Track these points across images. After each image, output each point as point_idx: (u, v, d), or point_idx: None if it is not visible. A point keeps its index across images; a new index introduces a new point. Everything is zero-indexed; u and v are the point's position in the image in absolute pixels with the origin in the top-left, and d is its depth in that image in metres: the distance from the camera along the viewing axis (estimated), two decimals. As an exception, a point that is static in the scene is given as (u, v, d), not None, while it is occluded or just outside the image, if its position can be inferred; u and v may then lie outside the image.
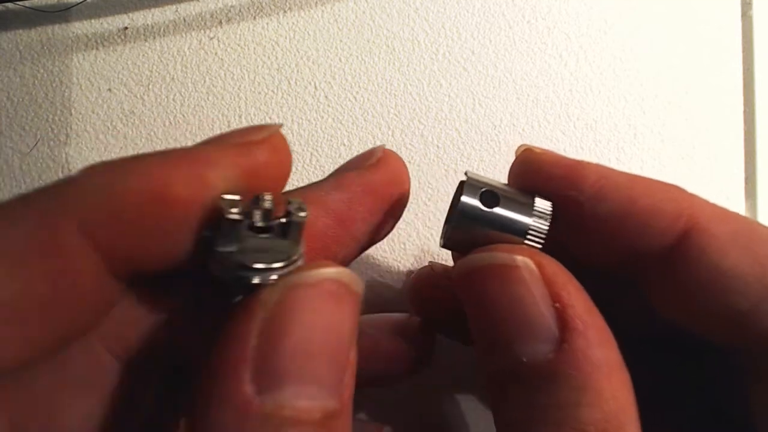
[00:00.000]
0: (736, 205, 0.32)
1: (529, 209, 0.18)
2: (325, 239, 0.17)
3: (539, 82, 0.32)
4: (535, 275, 0.16)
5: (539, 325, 0.16)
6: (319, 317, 0.14)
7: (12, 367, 0.13)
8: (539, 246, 0.17)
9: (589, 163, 0.18)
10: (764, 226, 0.17)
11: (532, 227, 0.17)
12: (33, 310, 0.13)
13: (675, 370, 0.20)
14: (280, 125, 0.17)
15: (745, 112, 0.32)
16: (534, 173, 0.19)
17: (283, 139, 0.16)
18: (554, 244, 0.18)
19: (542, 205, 0.18)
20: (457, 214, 0.17)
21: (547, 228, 0.17)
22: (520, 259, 0.16)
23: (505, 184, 0.19)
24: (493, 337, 0.16)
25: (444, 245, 0.19)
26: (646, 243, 0.17)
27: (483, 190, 0.18)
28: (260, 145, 0.16)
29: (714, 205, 0.18)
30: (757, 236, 0.17)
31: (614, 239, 0.17)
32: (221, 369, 0.13)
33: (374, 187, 0.18)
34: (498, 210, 0.17)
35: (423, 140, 0.31)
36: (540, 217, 0.17)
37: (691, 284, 0.17)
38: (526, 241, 0.17)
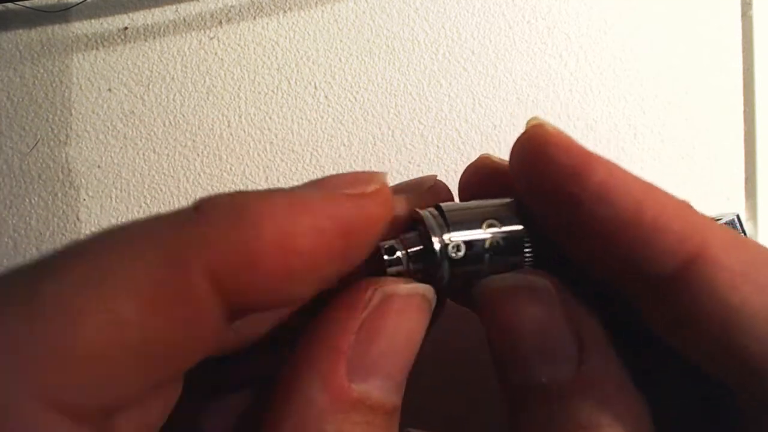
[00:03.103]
0: (736, 205, 0.32)
1: (512, 218, 0.17)
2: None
3: (539, 82, 0.32)
4: (554, 297, 0.16)
5: (560, 345, 0.16)
6: (406, 324, 0.16)
7: (125, 405, 0.13)
8: (530, 252, 0.17)
9: (599, 158, 0.16)
10: None
11: (524, 237, 0.17)
12: (160, 353, 0.13)
13: (664, 381, 0.19)
14: (386, 174, 0.17)
15: (745, 112, 0.32)
16: (538, 155, 0.16)
17: (388, 191, 0.17)
18: (546, 242, 0.17)
19: (511, 207, 0.18)
20: (437, 263, 0.17)
21: (526, 233, 0.17)
22: (542, 281, 0.17)
23: (474, 202, 0.18)
24: (513, 357, 0.16)
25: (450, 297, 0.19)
26: (647, 262, 0.15)
27: (457, 245, 0.17)
28: (372, 198, 0.16)
29: (727, 231, 0.16)
30: None
31: (613, 251, 0.16)
32: (322, 354, 0.15)
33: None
34: (486, 234, 0.17)
35: (423, 140, 0.31)
36: (526, 221, 0.17)
37: (694, 316, 0.15)
38: (525, 252, 0.17)
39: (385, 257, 0.17)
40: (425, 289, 0.17)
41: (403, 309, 0.16)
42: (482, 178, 0.20)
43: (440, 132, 0.31)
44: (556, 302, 0.16)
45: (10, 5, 0.31)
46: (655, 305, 0.16)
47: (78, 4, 0.31)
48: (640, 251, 0.15)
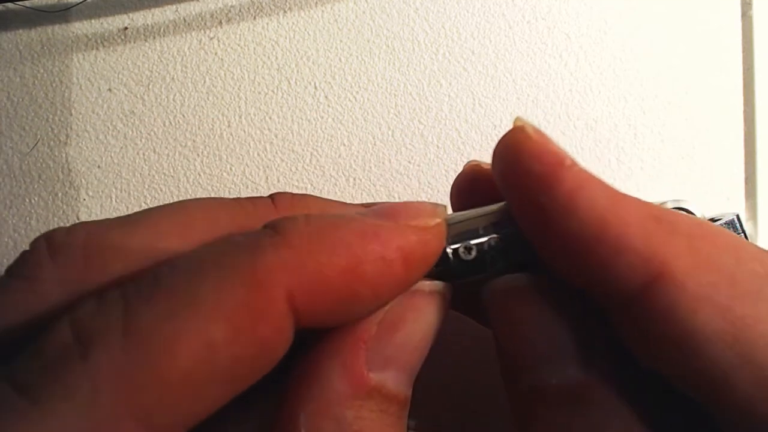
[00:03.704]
0: (736, 205, 0.32)
1: (512, 221, 0.17)
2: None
3: (539, 82, 0.32)
4: (561, 298, 0.17)
5: (566, 347, 0.16)
6: (424, 319, 0.17)
7: (204, 418, 0.14)
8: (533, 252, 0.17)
9: (572, 167, 0.16)
10: (750, 278, 0.15)
11: (525, 239, 0.17)
12: (241, 374, 0.14)
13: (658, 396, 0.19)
14: (446, 207, 0.17)
15: (745, 112, 0.32)
16: (512, 161, 0.16)
17: (444, 224, 0.17)
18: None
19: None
20: (455, 271, 0.18)
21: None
22: (547, 282, 0.17)
23: (476, 212, 0.18)
24: (521, 359, 0.16)
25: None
26: (611, 279, 0.15)
27: (468, 247, 0.18)
28: (432, 231, 0.16)
29: (692, 248, 0.15)
30: (737, 292, 0.14)
31: (580, 264, 0.15)
32: (345, 344, 0.16)
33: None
34: (489, 240, 0.18)
35: (423, 140, 0.31)
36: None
37: (657, 336, 0.15)
38: (527, 254, 0.17)
39: None
40: (445, 287, 0.17)
41: (424, 305, 0.17)
42: (473, 185, 0.20)
43: (440, 132, 0.31)
44: (565, 302, 0.16)
45: (10, 5, 0.31)
46: (623, 321, 0.16)
47: (78, 4, 0.31)
48: (604, 268, 0.15)
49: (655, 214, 0.15)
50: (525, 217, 0.17)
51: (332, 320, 0.16)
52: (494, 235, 0.18)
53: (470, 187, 0.20)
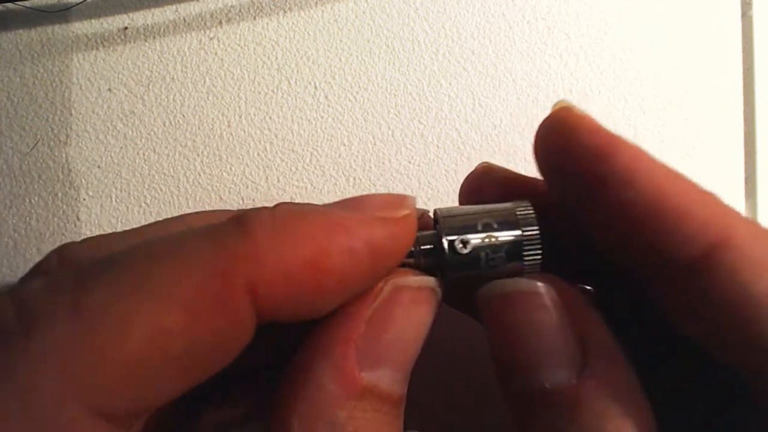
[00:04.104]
0: (736, 205, 0.32)
1: (515, 222, 0.17)
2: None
3: (539, 82, 0.32)
4: (556, 301, 0.16)
5: (562, 351, 0.16)
6: (415, 316, 0.17)
7: (158, 408, 0.14)
8: (539, 254, 0.17)
9: (625, 141, 0.16)
10: None
11: (525, 242, 0.17)
12: (197, 360, 0.14)
13: (673, 373, 0.19)
14: (415, 199, 0.17)
15: (745, 112, 0.32)
16: (564, 137, 0.16)
17: (415, 216, 0.17)
18: (566, 228, 0.17)
19: (524, 211, 0.17)
20: (450, 264, 0.17)
21: (538, 233, 0.17)
22: (542, 285, 0.17)
23: (477, 208, 0.18)
24: (515, 362, 0.16)
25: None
26: (670, 247, 0.15)
27: (464, 240, 0.17)
28: (401, 223, 0.17)
29: (751, 221, 0.15)
30: None
31: (636, 235, 0.15)
32: (334, 344, 0.15)
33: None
34: (486, 238, 0.17)
35: (423, 140, 0.31)
36: (527, 225, 0.17)
37: (715, 304, 0.15)
38: (525, 257, 0.17)
39: None
40: (434, 282, 0.17)
41: (413, 300, 0.17)
42: (483, 185, 0.20)
43: (440, 132, 0.31)
44: (559, 307, 0.16)
45: (10, 5, 0.31)
46: (676, 292, 0.16)
47: (78, 4, 0.31)
48: (663, 236, 0.15)
49: (710, 191, 0.16)
50: (579, 191, 0.17)
51: (298, 313, 0.15)
52: (493, 233, 0.17)
53: (479, 186, 0.20)
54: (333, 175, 0.31)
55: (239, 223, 0.15)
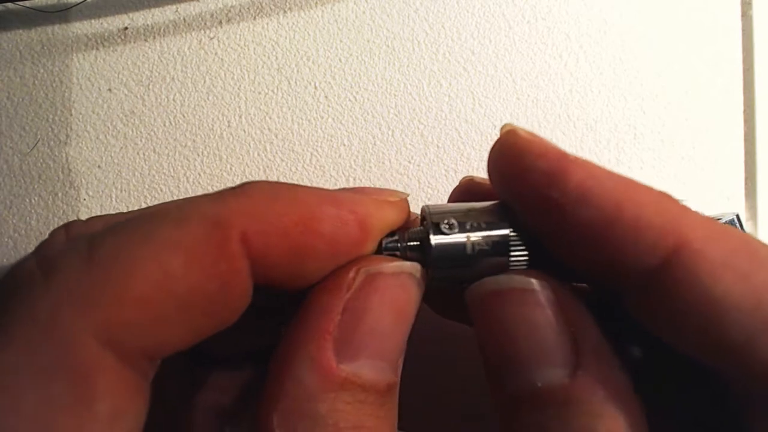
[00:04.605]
0: (736, 205, 0.32)
1: (502, 220, 0.17)
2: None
3: (539, 82, 0.32)
4: (550, 299, 0.16)
5: (555, 349, 0.15)
6: (392, 303, 0.16)
7: (167, 354, 0.15)
8: (525, 255, 0.17)
9: (575, 159, 0.16)
10: (764, 245, 0.15)
11: (512, 240, 0.17)
12: (199, 306, 0.15)
13: (664, 383, 0.19)
14: (407, 195, 0.19)
15: (745, 112, 0.32)
16: (514, 163, 0.17)
17: (407, 203, 0.18)
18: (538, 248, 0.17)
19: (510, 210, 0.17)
20: (433, 259, 0.17)
21: (525, 232, 0.17)
22: (536, 282, 0.16)
23: (465, 205, 0.18)
24: (507, 361, 0.16)
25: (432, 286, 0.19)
26: (631, 258, 0.15)
27: (450, 222, 0.17)
28: (391, 205, 0.18)
29: (708, 221, 0.16)
30: (755, 259, 0.15)
31: (596, 250, 0.16)
32: (309, 337, 0.15)
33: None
34: (472, 236, 0.17)
35: (423, 140, 0.31)
36: (515, 223, 0.17)
37: (679, 309, 0.15)
38: (511, 257, 0.17)
39: (384, 240, 0.18)
40: (411, 267, 0.17)
41: (388, 287, 0.16)
42: (468, 197, 0.21)
43: (440, 132, 0.31)
44: (552, 304, 0.16)
45: (10, 5, 0.31)
46: (642, 301, 0.16)
47: (78, 4, 0.31)
48: (622, 249, 0.15)
49: (664, 193, 0.16)
50: (533, 214, 0.17)
51: (289, 274, 0.16)
52: (481, 230, 0.17)
53: (465, 199, 0.21)
54: (333, 175, 0.31)
55: (239, 186, 0.16)
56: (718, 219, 0.30)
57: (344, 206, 0.16)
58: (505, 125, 0.17)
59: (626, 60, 0.32)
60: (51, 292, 0.14)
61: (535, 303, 0.16)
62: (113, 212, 0.31)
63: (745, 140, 0.32)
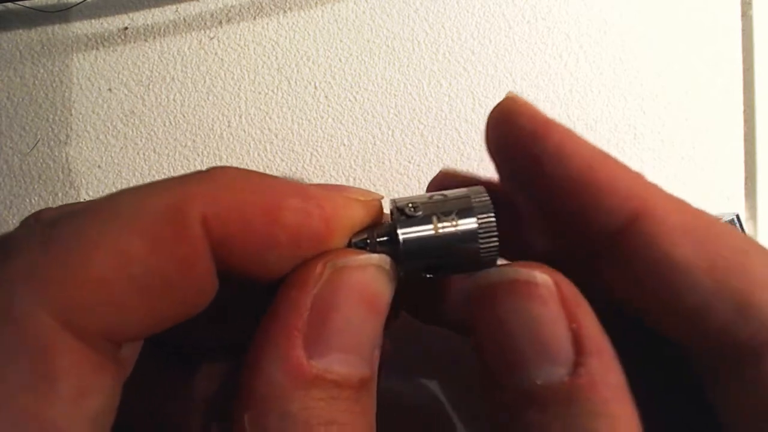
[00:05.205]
0: (736, 205, 0.32)
1: (470, 209, 0.17)
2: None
3: (539, 82, 0.32)
4: (553, 293, 0.16)
5: (556, 346, 0.15)
6: (361, 296, 0.16)
7: (130, 339, 0.15)
8: (496, 241, 0.17)
9: (558, 124, 0.17)
10: (722, 223, 0.16)
11: (480, 228, 0.17)
12: (159, 288, 0.14)
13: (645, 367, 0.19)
14: (381, 197, 0.19)
15: (745, 112, 0.32)
16: (507, 122, 0.18)
17: (380, 204, 0.18)
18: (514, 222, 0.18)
19: (478, 198, 0.17)
20: (402, 253, 0.17)
21: (494, 220, 0.17)
22: (540, 275, 0.16)
23: (431, 194, 0.18)
24: (507, 358, 0.16)
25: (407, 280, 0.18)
26: (597, 217, 0.16)
27: (418, 215, 0.17)
28: (362, 203, 0.18)
29: (672, 196, 0.17)
30: (711, 231, 0.16)
31: (567, 206, 0.17)
32: (277, 334, 0.15)
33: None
34: (441, 227, 0.17)
35: (423, 140, 0.31)
36: (483, 211, 0.17)
37: (639, 271, 0.16)
38: (481, 243, 0.17)
39: (353, 239, 0.17)
40: (379, 258, 0.17)
41: (356, 280, 0.16)
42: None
43: (440, 132, 0.31)
44: (554, 299, 0.16)
45: (10, 5, 0.31)
46: (608, 263, 0.17)
47: (78, 4, 0.31)
48: (590, 207, 0.16)
49: (637, 171, 0.17)
50: (519, 169, 0.18)
51: (252, 263, 0.16)
52: (450, 220, 0.17)
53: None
54: (333, 175, 0.31)
55: (206, 170, 0.16)
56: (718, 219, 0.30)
57: (311, 200, 0.16)
58: (510, 92, 0.19)
59: (626, 60, 0.32)
60: (7, 273, 0.13)
61: (538, 297, 0.16)
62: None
63: (745, 140, 0.32)
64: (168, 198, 0.15)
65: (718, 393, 0.16)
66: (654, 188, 0.17)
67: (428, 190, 0.21)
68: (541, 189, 0.17)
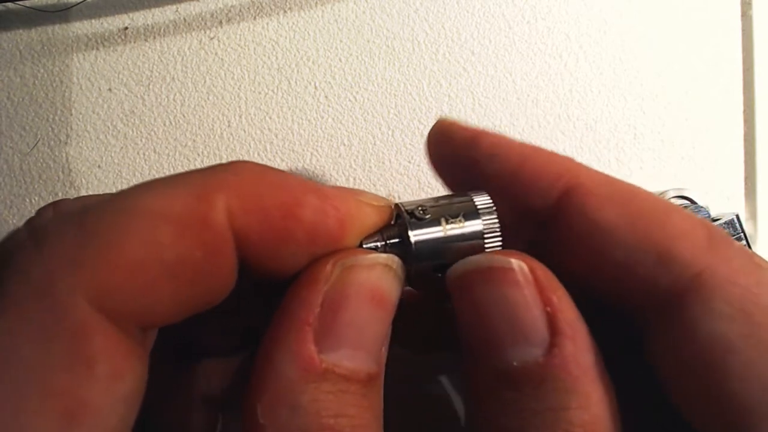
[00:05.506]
0: (736, 205, 0.32)
1: (475, 212, 0.18)
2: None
3: (539, 82, 0.32)
4: (528, 278, 0.17)
5: (531, 328, 0.16)
6: (370, 294, 0.17)
7: (157, 324, 0.16)
8: (500, 239, 0.18)
9: (488, 131, 0.19)
10: (647, 191, 0.18)
11: (486, 230, 0.18)
12: (188, 274, 0.15)
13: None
14: (393, 203, 0.20)
15: (745, 112, 0.32)
16: (443, 133, 0.20)
17: (392, 209, 0.19)
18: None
19: (482, 200, 0.18)
20: (414, 254, 0.18)
21: (497, 221, 0.18)
22: (515, 261, 0.17)
23: (436, 198, 0.19)
24: (484, 341, 0.16)
25: (413, 285, 0.19)
26: (533, 201, 0.18)
27: (426, 218, 0.18)
28: (374, 208, 0.18)
29: (600, 173, 0.18)
30: (635, 197, 0.17)
31: (506, 194, 0.18)
32: (289, 329, 0.16)
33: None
34: (449, 228, 0.18)
35: (423, 140, 0.31)
36: (487, 214, 0.18)
37: (573, 239, 0.17)
38: (486, 241, 0.18)
39: (364, 241, 0.18)
40: (387, 258, 0.18)
41: (364, 279, 0.17)
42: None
43: (440, 132, 0.31)
44: (529, 283, 0.16)
45: (10, 5, 0.31)
46: (552, 240, 0.18)
47: (78, 4, 0.31)
48: (526, 193, 0.18)
49: (566, 156, 0.19)
50: (461, 175, 0.20)
51: (269, 257, 0.16)
52: (456, 223, 0.18)
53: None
54: (333, 175, 0.31)
55: (229, 163, 0.17)
56: (718, 219, 0.30)
57: (328, 200, 0.17)
58: (440, 117, 0.22)
59: (626, 60, 0.32)
60: (43, 258, 0.14)
61: (513, 282, 0.17)
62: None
63: (745, 140, 0.32)
64: (195, 188, 0.15)
65: (652, 351, 0.17)
66: (583, 167, 0.18)
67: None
68: (483, 180, 0.19)
